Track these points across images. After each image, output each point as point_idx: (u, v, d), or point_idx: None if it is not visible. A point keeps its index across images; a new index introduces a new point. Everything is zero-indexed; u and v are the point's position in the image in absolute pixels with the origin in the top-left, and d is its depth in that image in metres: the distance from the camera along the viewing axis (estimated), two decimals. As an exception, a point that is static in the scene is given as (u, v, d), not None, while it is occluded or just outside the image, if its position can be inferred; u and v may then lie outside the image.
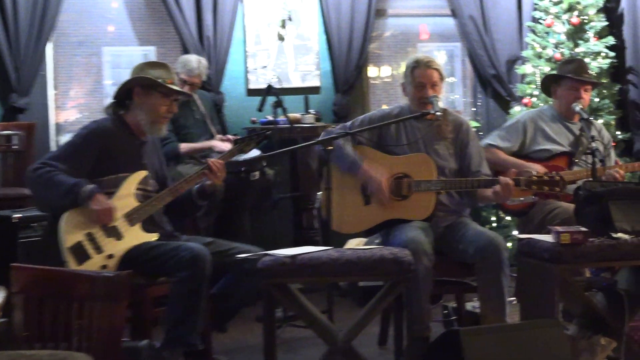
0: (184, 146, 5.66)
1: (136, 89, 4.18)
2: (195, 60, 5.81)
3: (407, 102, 4.57)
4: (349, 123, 4.56)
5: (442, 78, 4.45)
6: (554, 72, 5.57)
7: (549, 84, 5.20)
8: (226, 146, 5.61)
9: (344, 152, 4.38)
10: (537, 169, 4.65)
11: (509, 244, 6.46)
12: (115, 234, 3.98)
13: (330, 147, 3.99)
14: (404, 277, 3.67)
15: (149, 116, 4.18)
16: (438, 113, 4.25)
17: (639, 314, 4.10)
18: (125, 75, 4.32)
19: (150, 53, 6.69)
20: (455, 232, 4.30)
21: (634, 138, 7.05)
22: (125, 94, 4.21)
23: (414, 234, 4.07)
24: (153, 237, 4.09)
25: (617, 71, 7.02)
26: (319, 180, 5.64)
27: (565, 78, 5.04)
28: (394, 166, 4.37)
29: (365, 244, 4.06)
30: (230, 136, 5.79)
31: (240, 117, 6.63)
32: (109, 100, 4.39)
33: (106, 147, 4.09)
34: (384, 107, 4.69)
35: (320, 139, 4.18)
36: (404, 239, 4.02)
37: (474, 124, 7.03)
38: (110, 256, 3.93)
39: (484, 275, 4.10)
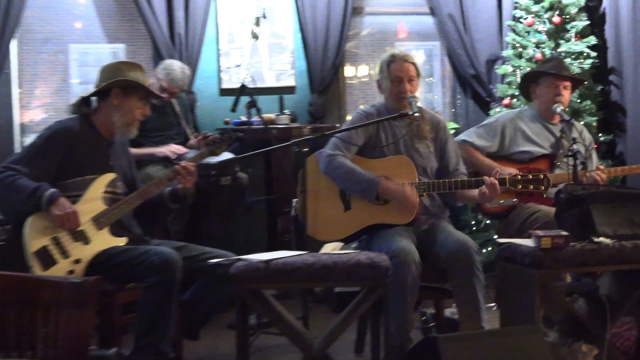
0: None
1: (115, 90, 4.17)
2: (179, 71, 5.78)
3: (382, 101, 4.58)
4: (336, 139, 4.47)
5: (418, 73, 4.49)
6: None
7: (527, 85, 5.23)
8: (175, 152, 5.61)
9: (354, 170, 4.35)
10: (510, 171, 4.67)
11: (489, 248, 6.49)
12: (82, 238, 3.96)
13: (305, 149, 3.99)
14: (381, 282, 3.68)
15: (124, 118, 4.18)
16: (417, 114, 4.27)
17: (621, 320, 4.14)
18: (93, 74, 4.31)
19: (119, 51, 6.66)
20: (432, 236, 4.33)
21: (616, 140, 7.10)
22: (98, 93, 4.20)
23: (403, 242, 4.10)
24: (122, 241, 4.07)
25: (599, 72, 7.06)
26: (293, 183, 5.66)
27: (543, 75, 5.09)
28: (374, 170, 4.38)
29: (342, 249, 4.07)
30: (207, 132, 5.77)
31: (213, 118, 6.62)
32: (76, 99, 4.36)
33: (71, 148, 4.07)
34: (361, 107, 4.65)
35: (295, 140, 4.18)
36: (394, 248, 4.04)
37: (453, 125, 7.07)
38: (77, 261, 3.91)
39: (457, 280, 4.13)
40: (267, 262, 3.65)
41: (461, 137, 5.15)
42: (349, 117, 5.41)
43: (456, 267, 4.10)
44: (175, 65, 5.82)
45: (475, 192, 4.36)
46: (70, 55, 6.61)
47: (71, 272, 3.88)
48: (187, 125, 6.00)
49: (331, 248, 3.95)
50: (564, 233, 3.89)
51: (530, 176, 4.27)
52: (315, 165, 4.47)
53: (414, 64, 4.46)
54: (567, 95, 5.13)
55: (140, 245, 4.07)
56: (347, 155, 4.40)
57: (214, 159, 5.17)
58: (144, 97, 4.23)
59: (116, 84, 4.16)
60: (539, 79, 5.13)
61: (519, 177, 4.29)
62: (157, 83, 5.71)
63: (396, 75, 4.42)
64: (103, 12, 6.64)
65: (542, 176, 4.26)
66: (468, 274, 4.08)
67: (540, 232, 3.93)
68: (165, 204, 4.28)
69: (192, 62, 6.49)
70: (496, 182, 4.23)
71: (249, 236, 5.33)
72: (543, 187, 4.26)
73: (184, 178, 4.17)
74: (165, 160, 5.66)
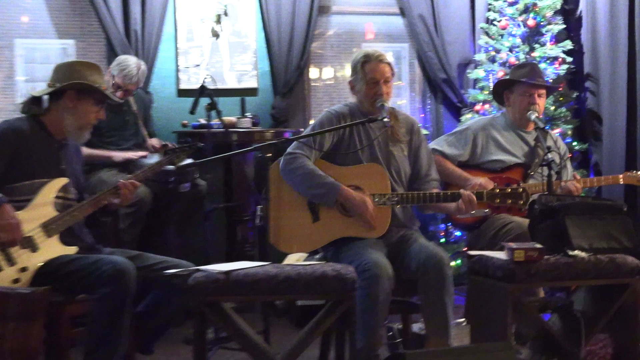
0: (85, 151, 5.60)
1: (69, 92, 4.13)
2: (134, 66, 5.74)
3: (355, 101, 4.58)
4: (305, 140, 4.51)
5: (393, 74, 4.51)
6: (507, 77, 5.65)
7: (501, 91, 5.27)
8: (133, 157, 5.59)
9: (315, 173, 4.35)
10: (481, 182, 4.70)
11: (459, 261, 6.53)
12: (30, 245, 3.91)
13: (268, 155, 3.98)
14: (347, 296, 3.68)
15: (77, 122, 4.14)
16: (386, 120, 4.27)
17: (596, 337, 4.17)
18: (41, 72, 4.28)
19: (69, 47, 6.58)
20: (403, 248, 4.33)
21: (591, 149, 7.18)
22: (51, 93, 4.16)
23: (375, 255, 4.10)
24: (72, 249, 4.03)
25: (575, 78, 7.14)
26: (254, 190, 5.66)
27: (517, 83, 5.13)
28: (345, 178, 4.38)
29: (306, 260, 4.06)
30: (169, 144, 5.75)
31: (170, 120, 6.59)
32: (21, 98, 4.32)
33: (19, 150, 4.02)
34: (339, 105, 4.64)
35: (257, 145, 4.17)
36: (366, 261, 4.04)
37: (423, 131, 7.08)
38: (23, 269, 3.86)
39: (427, 294, 4.13)
40: (228, 273, 3.64)
41: (431, 145, 5.17)
42: (312, 122, 5.37)
43: (427, 280, 4.10)
44: (130, 61, 5.78)
45: (449, 204, 4.39)
46: (16, 50, 6.51)
47: (16, 280, 3.82)
48: (148, 124, 5.98)
49: (295, 259, 3.94)
50: (538, 246, 3.92)
51: (509, 190, 4.30)
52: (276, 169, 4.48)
53: (389, 64, 4.47)
54: (541, 103, 5.18)
55: (92, 255, 4.03)
56: (310, 157, 4.39)
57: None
58: (100, 100, 4.19)
59: (71, 86, 4.12)
60: (513, 86, 5.17)
61: (497, 190, 4.32)
62: (111, 80, 5.67)
63: (372, 76, 4.42)
64: (52, 5, 6.57)
65: (521, 190, 4.30)
66: (439, 288, 4.08)
67: (513, 245, 3.95)
68: (95, 214, 4.26)
69: (149, 60, 6.45)
70: (474, 197, 4.28)
71: (206, 245, 5.30)
72: (522, 202, 4.29)
73: (124, 196, 4.17)
74: (121, 165, 5.63)
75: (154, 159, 5.32)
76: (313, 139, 4.41)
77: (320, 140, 4.42)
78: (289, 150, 4.43)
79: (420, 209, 4.62)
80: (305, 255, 4.08)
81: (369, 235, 4.31)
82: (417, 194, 4.38)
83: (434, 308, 4.11)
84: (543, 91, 5.19)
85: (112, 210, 4.29)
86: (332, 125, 4.45)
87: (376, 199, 4.30)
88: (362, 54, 4.48)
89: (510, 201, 4.30)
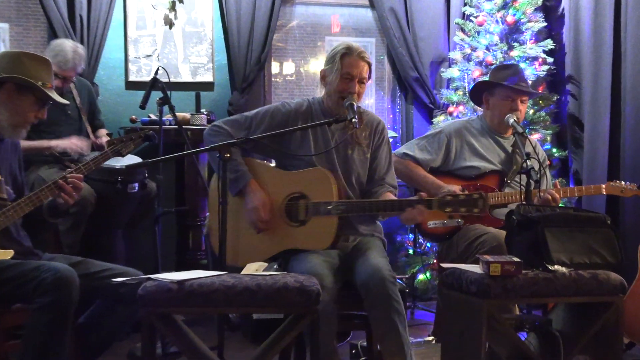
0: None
1: (8, 85, 4.09)
2: (70, 49, 5.68)
3: (320, 96, 4.58)
4: (242, 117, 4.54)
5: (370, 76, 4.50)
6: (486, 78, 5.69)
7: (479, 93, 5.29)
8: (75, 147, 5.53)
9: (232, 159, 4.33)
10: (455, 189, 4.70)
11: (427, 274, 6.56)
12: (-39, 249, 3.89)
13: (227, 155, 3.96)
14: (310, 310, 3.68)
15: (14, 118, 4.11)
16: (354, 120, 4.25)
17: (576, 358, 4.20)
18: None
19: (2, 32, 6.53)
20: (351, 260, 4.32)
21: (571, 157, 7.24)
22: None
23: (312, 264, 4.10)
24: (8, 254, 4.00)
25: (555, 80, 7.20)
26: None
27: (499, 86, 5.14)
28: (288, 184, 4.39)
29: (265, 270, 4.06)
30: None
31: (118, 115, 6.57)
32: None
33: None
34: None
35: (215, 145, 4.13)
36: (302, 270, 4.04)
37: (391, 134, 7.12)
38: (-47, 276, 3.83)
39: (373, 313, 4.10)
40: (181, 283, 3.62)
41: (401, 149, 5.19)
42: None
43: (370, 298, 4.07)
44: (64, 45, 5.71)
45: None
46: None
47: (-55, 287, 3.80)
48: (93, 119, 5.94)
49: (254, 268, 3.94)
50: (516, 259, 3.94)
51: (462, 196, 4.16)
52: None
53: (369, 64, 4.48)
54: (523, 109, 5.21)
55: (30, 260, 4.01)
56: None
57: (119, 162, 5.12)
58: (42, 100, 4.15)
59: (11, 79, 4.08)
60: (494, 89, 5.19)
61: (448, 197, 4.17)
62: None
63: (348, 71, 4.42)
64: (-17, -19, 6.54)
65: (476, 196, 4.15)
66: (385, 307, 4.04)
67: (489, 258, 3.96)
68: (43, 217, 4.22)
69: (95, 49, 6.44)
70: (422, 207, 4.18)
71: (156, 252, 5.28)
72: (477, 210, 4.14)
73: (68, 194, 4.11)
74: (62, 162, 5.57)
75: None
76: (249, 126, 4.46)
77: (256, 132, 4.43)
78: (216, 122, 4.49)
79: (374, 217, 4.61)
80: (265, 264, 4.07)
81: (312, 247, 4.29)
82: (365, 202, 4.35)
83: (384, 328, 4.06)
84: (526, 97, 5.22)
85: (62, 211, 4.24)
86: (280, 113, 4.49)
87: (320, 208, 4.29)
88: (345, 46, 4.47)
89: (463, 209, 4.14)
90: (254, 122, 4.50)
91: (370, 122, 4.59)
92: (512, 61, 6.62)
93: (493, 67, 5.79)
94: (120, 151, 4.32)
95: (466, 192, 4.22)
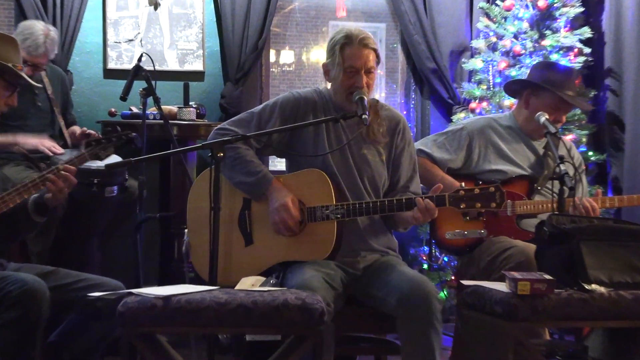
0: None
1: None
2: (41, 33, 5.67)
3: (328, 89, 4.58)
4: (248, 115, 4.53)
5: (378, 62, 4.47)
6: (513, 70, 5.66)
7: (520, 87, 5.28)
8: (50, 149, 5.53)
9: (247, 158, 4.38)
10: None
11: (445, 291, 6.56)
12: None
13: (220, 154, 3.96)
14: (312, 330, 3.68)
15: None
16: (364, 117, 4.25)
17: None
18: None
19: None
20: (377, 276, 4.32)
21: (610, 161, 7.21)
22: None
23: (307, 276, 4.09)
24: (-33, 265, 4.02)
25: (593, 73, 7.18)
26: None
27: (550, 92, 5.08)
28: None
29: (262, 284, 4.06)
30: (91, 131, 5.70)
31: (95, 107, 6.59)
32: None
33: None
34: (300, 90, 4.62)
35: (208, 141, 4.13)
36: (293, 284, 4.04)
37: (408, 132, 7.10)
38: None
39: (409, 332, 4.09)
40: (166, 298, 3.62)
41: (416, 145, 5.17)
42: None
43: (409, 316, 4.06)
44: (35, 27, 5.70)
45: (408, 214, 4.35)
46: None
47: None
48: (67, 112, 5.95)
49: (249, 283, 3.94)
50: (547, 277, 3.94)
51: (477, 190, 4.17)
52: (202, 180, 4.49)
53: (374, 50, 4.43)
54: (564, 119, 5.23)
55: (-6, 271, 4.02)
56: (248, 142, 4.41)
57: (95, 162, 5.12)
58: (12, 83, 4.16)
59: None
60: (541, 91, 5.13)
61: (462, 192, 4.19)
62: None
63: (350, 64, 4.39)
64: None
65: (492, 189, 4.16)
66: (425, 326, 4.03)
67: (516, 275, 3.96)
68: (29, 216, 4.21)
69: (69, 32, 6.45)
70: (432, 204, 4.20)
71: (136, 263, 5.28)
72: (494, 204, 4.15)
73: (57, 187, 4.10)
74: (31, 161, 5.58)
75: (73, 154, 5.28)
76: (259, 125, 4.43)
77: (266, 121, 4.45)
78: (222, 125, 4.48)
79: (392, 227, 4.59)
80: (261, 279, 4.07)
81: (309, 258, 4.30)
82: (365, 203, 4.32)
83: (417, 350, 4.05)
84: (571, 107, 5.24)
85: (50, 209, 4.21)
86: (292, 111, 4.49)
87: (316, 213, 4.30)
88: (343, 34, 4.43)
89: (479, 204, 4.16)
90: (262, 117, 4.49)
91: (389, 119, 4.58)
92: (544, 52, 6.62)
93: (530, 61, 5.72)
94: (98, 154, 4.33)
95: (481, 185, 4.20)
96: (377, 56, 4.45)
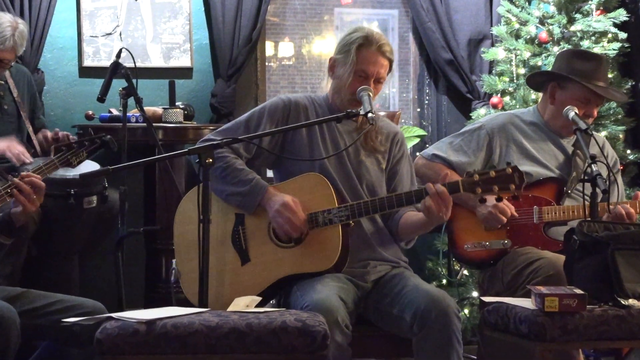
0: None
1: None
2: (8, 26, 5.66)
3: (323, 94, 4.63)
4: (234, 124, 4.59)
5: (389, 72, 4.55)
6: (539, 59, 5.65)
7: (545, 79, 5.28)
8: (16, 151, 5.53)
9: (237, 167, 4.41)
10: (495, 201, 4.66)
11: (466, 310, 6.57)
12: None
13: (209, 160, 3.98)
14: (315, 356, 3.69)
15: None
16: (370, 114, 4.27)
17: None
18: None
19: None
20: (389, 291, 4.34)
21: (651, 160, 7.18)
22: None
23: (323, 295, 4.10)
24: None
25: (630, 61, 7.16)
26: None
27: (576, 83, 5.06)
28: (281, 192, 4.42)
29: (259, 305, 4.07)
30: (62, 133, 5.70)
31: (70, 110, 6.61)
32: None
33: None
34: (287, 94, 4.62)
35: (196, 146, 4.16)
36: (307, 302, 4.05)
37: (418, 131, 7.13)
38: None
39: (426, 354, 4.11)
40: (150, 323, 3.64)
41: (430, 150, 5.18)
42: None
43: (427, 335, 4.09)
44: (2, 19, 5.67)
45: (419, 214, 4.38)
46: None
47: None
48: (35, 116, 5.95)
49: (244, 303, 3.95)
50: (578, 291, 3.94)
51: (493, 173, 4.21)
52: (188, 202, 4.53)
53: (390, 59, 4.52)
54: (596, 113, 5.24)
55: (-41, 295, 4.03)
56: (238, 151, 4.45)
57: (69, 172, 5.12)
58: None
59: None
60: (567, 82, 5.13)
61: (477, 176, 4.22)
62: None
63: (363, 68, 4.45)
64: None
65: (509, 170, 4.21)
66: (444, 346, 4.06)
67: (543, 289, 3.97)
68: None
69: (40, 25, 6.45)
70: (444, 189, 4.21)
71: (118, 284, 5.30)
72: (513, 186, 4.19)
73: (27, 198, 4.10)
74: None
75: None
76: (248, 132, 4.46)
77: (254, 128, 4.48)
78: (208, 136, 4.53)
79: (396, 239, 4.63)
80: (257, 299, 4.08)
81: (313, 269, 4.32)
82: (371, 200, 4.35)
83: None
84: (602, 99, 5.24)
85: (17, 228, 4.20)
86: (283, 115, 4.53)
87: (318, 218, 4.32)
88: (364, 34, 4.48)
89: (497, 187, 4.19)
90: (250, 124, 4.53)
91: (387, 129, 4.66)
92: (573, 38, 6.62)
93: (558, 49, 5.71)
94: (70, 160, 4.34)
95: (496, 168, 4.27)
96: (391, 66, 4.53)
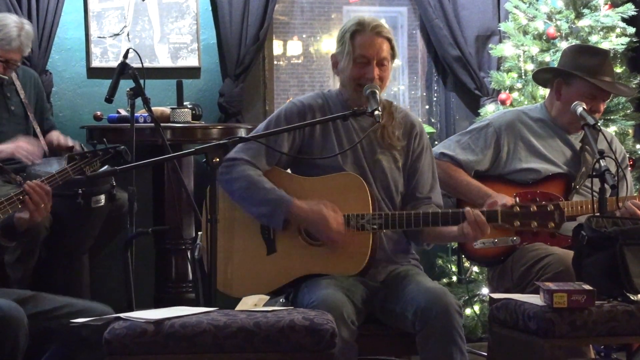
0: None
1: None
2: (14, 26, 5.67)
3: (335, 89, 4.60)
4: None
5: (393, 54, 4.48)
6: (547, 55, 5.64)
7: (551, 75, 5.27)
8: (24, 152, 5.52)
9: (259, 185, 4.36)
10: (507, 200, 4.62)
11: (476, 307, 6.56)
12: None
13: (216, 160, 3.97)
14: (323, 355, 3.69)
15: None
16: (377, 112, 4.25)
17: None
18: None
19: None
20: (394, 288, 4.33)
21: (659, 155, 7.17)
22: None
23: (328, 291, 4.10)
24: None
25: (639, 55, 7.14)
26: (196, 208, 5.62)
27: (581, 79, 5.06)
28: (311, 192, 4.39)
29: (267, 304, 4.07)
30: (70, 141, 5.70)
31: (78, 111, 6.61)
32: None
33: None
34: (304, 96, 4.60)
35: (200, 147, 4.14)
36: (313, 300, 4.05)
37: (428, 129, 7.12)
38: None
39: (428, 351, 4.10)
40: (158, 323, 3.64)
41: (438, 148, 5.17)
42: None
43: (428, 332, 4.08)
44: (8, 20, 5.70)
45: (452, 228, 4.37)
46: None
47: None
48: (44, 118, 5.95)
49: (252, 302, 3.94)
50: (587, 287, 3.94)
51: (534, 208, 4.19)
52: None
53: (388, 38, 4.44)
54: (602, 109, 5.22)
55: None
56: (257, 164, 4.41)
57: (80, 176, 5.13)
58: None
59: None
60: (572, 78, 5.12)
61: (517, 208, 4.21)
62: None
63: (361, 53, 4.40)
64: None
65: (551, 207, 4.18)
66: (446, 343, 4.04)
67: (552, 285, 3.97)
68: None
69: (48, 27, 6.46)
70: (482, 218, 4.20)
71: (127, 284, 5.30)
72: (553, 224, 4.18)
73: (34, 205, 4.11)
74: (6, 172, 5.58)
75: (54, 165, 5.27)
76: (267, 140, 4.40)
77: (277, 142, 4.43)
78: (229, 155, 4.43)
79: (415, 239, 4.62)
80: (266, 298, 4.07)
81: (341, 272, 4.30)
82: (406, 214, 4.33)
83: None
84: (609, 95, 5.23)
85: (20, 232, 4.21)
86: (294, 112, 4.50)
87: (351, 222, 4.29)
88: (354, 22, 4.44)
89: (535, 224, 4.18)
90: (270, 136, 4.45)
91: (405, 122, 4.58)
92: (581, 33, 6.61)
93: (566, 44, 5.68)
94: (83, 169, 4.34)
95: (539, 203, 4.22)
96: (392, 48, 4.45)
